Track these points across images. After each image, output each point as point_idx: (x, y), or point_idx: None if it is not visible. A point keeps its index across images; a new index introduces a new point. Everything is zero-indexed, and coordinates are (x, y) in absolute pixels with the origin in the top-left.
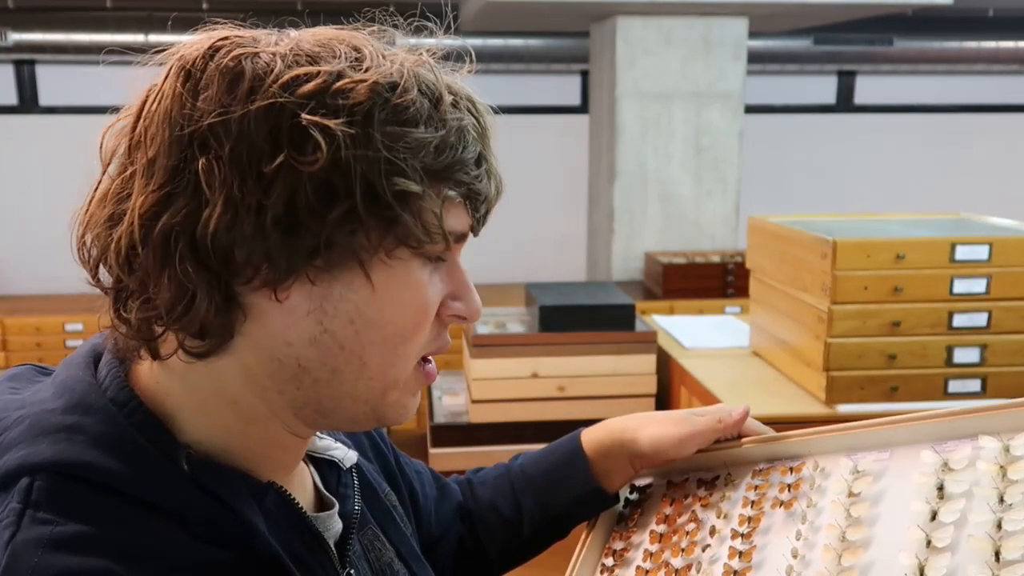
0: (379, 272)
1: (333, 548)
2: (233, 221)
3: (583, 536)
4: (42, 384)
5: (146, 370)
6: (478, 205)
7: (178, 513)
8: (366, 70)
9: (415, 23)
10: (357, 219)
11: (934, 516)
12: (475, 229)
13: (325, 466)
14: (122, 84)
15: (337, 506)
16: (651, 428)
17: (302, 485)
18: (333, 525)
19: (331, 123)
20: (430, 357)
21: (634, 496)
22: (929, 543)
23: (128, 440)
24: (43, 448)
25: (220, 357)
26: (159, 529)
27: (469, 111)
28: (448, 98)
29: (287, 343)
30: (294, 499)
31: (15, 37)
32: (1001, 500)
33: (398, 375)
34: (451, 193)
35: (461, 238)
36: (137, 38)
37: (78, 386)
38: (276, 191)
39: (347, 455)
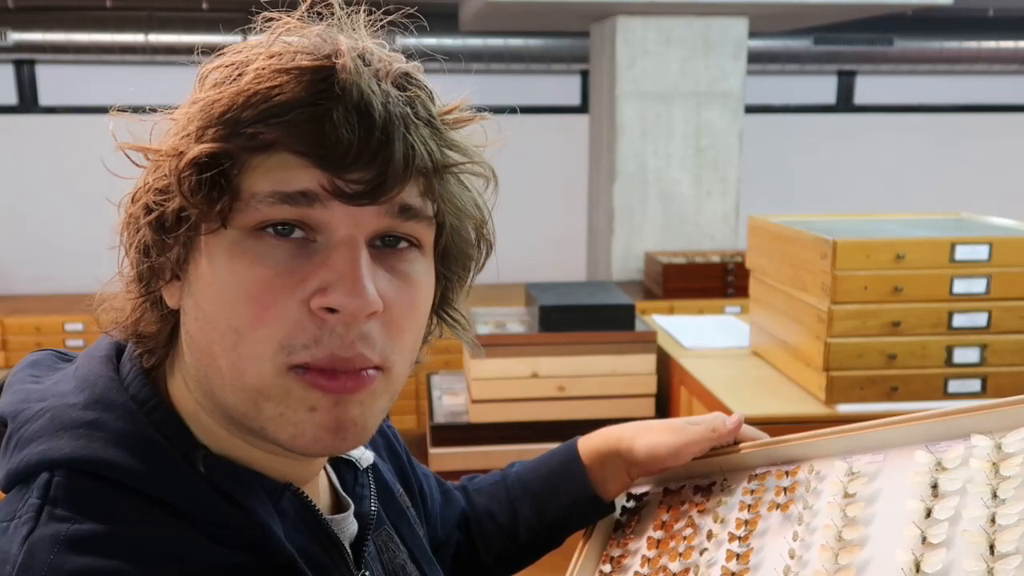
0: (206, 257)
1: (348, 549)
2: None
3: (580, 544)
4: (63, 373)
5: (162, 372)
6: (323, 157)
7: (194, 515)
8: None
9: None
10: (163, 195)
11: (929, 513)
12: (343, 188)
13: (342, 465)
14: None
15: (353, 507)
16: (647, 437)
17: (319, 485)
18: (349, 526)
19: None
20: (316, 364)
21: (631, 504)
22: (924, 539)
23: (147, 439)
24: (63, 443)
25: (180, 363)
26: (174, 530)
27: (317, 62)
28: (275, 54)
29: (183, 348)
30: (311, 501)
31: (15, 37)
32: (994, 495)
33: (256, 382)
34: (256, 148)
35: (297, 199)
36: (137, 38)
37: (100, 381)
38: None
39: (364, 455)
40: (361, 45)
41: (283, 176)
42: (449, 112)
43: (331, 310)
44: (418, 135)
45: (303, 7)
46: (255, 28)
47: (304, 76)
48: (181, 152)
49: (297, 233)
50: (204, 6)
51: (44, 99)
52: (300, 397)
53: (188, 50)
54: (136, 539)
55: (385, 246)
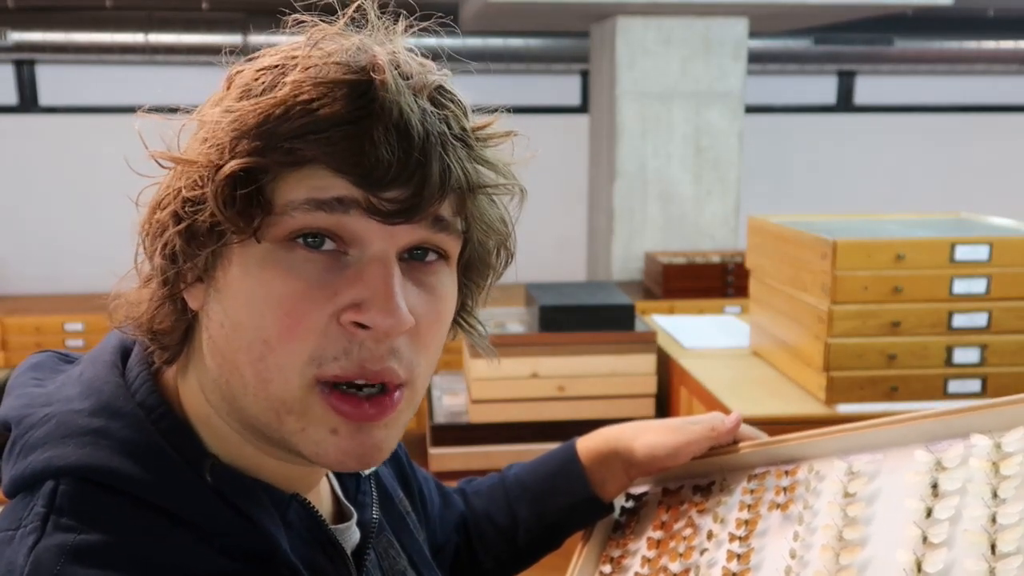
0: (236, 266)
1: (351, 558)
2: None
3: (579, 545)
4: (66, 377)
5: (173, 374)
6: (361, 176)
7: (199, 524)
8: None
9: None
10: (195, 205)
11: (929, 513)
12: (378, 206)
13: (345, 472)
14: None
15: (356, 516)
16: (646, 437)
17: (322, 493)
18: (352, 536)
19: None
20: (345, 376)
21: (630, 504)
22: (925, 539)
23: (154, 447)
24: (69, 451)
25: (196, 365)
26: (180, 540)
27: (356, 74)
28: (311, 64)
29: (202, 352)
30: (317, 511)
31: (15, 37)
32: (995, 495)
33: (281, 393)
34: (292, 163)
35: (332, 205)
36: (137, 38)
37: (105, 387)
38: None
39: None
40: (395, 55)
41: (318, 184)
42: (482, 128)
43: (362, 326)
44: (454, 155)
45: (343, 18)
46: (285, 31)
47: (342, 90)
48: (216, 165)
49: (328, 245)
50: (204, 6)
51: (44, 99)
52: (320, 417)
53: (188, 50)
54: (141, 549)
55: (412, 258)
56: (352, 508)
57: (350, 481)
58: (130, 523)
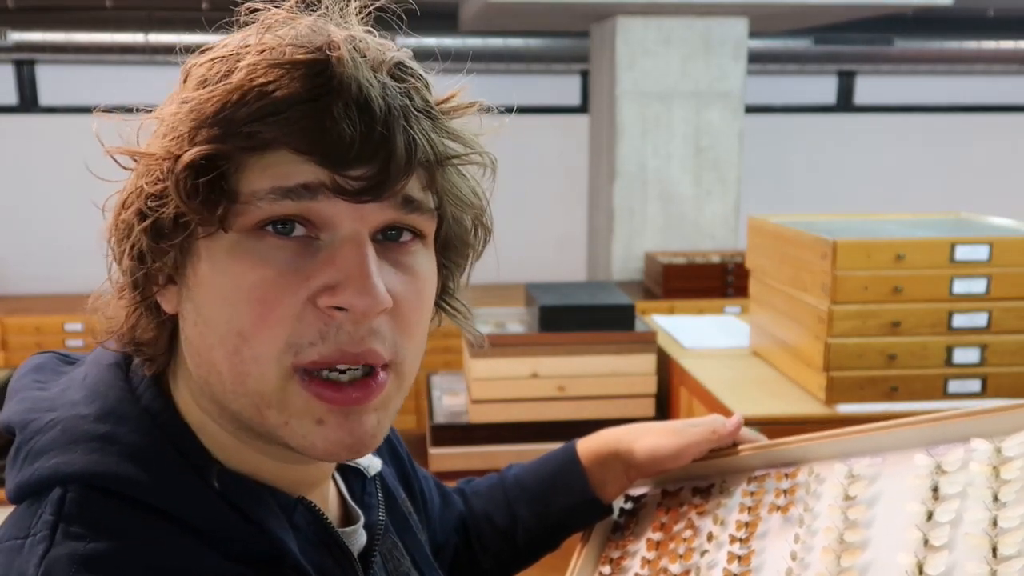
0: (205, 261)
1: (358, 560)
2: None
3: (579, 546)
4: (69, 380)
5: (167, 384)
6: (324, 155)
7: (208, 530)
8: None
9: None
10: (158, 200)
11: (930, 516)
12: (344, 185)
13: (350, 474)
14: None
15: (363, 518)
16: (647, 439)
17: (329, 495)
18: (359, 538)
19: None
20: (324, 362)
21: (629, 506)
22: (926, 542)
23: (161, 453)
24: (75, 457)
25: (184, 373)
26: (188, 547)
27: (312, 56)
28: (266, 48)
29: (184, 353)
30: (324, 514)
31: (15, 37)
32: (995, 499)
33: (258, 387)
34: (253, 148)
35: (299, 192)
36: (137, 38)
37: (111, 392)
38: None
39: (372, 463)
40: (353, 35)
41: (282, 171)
42: (446, 101)
43: (339, 308)
44: (419, 127)
45: (295, 1)
46: (239, 21)
47: (299, 70)
48: (176, 155)
49: (299, 231)
50: (204, 6)
51: (44, 99)
52: (303, 408)
53: (188, 50)
54: (151, 557)
55: (387, 239)
56: (359, 510)
57: (356, 482)
58: (139, 530)
